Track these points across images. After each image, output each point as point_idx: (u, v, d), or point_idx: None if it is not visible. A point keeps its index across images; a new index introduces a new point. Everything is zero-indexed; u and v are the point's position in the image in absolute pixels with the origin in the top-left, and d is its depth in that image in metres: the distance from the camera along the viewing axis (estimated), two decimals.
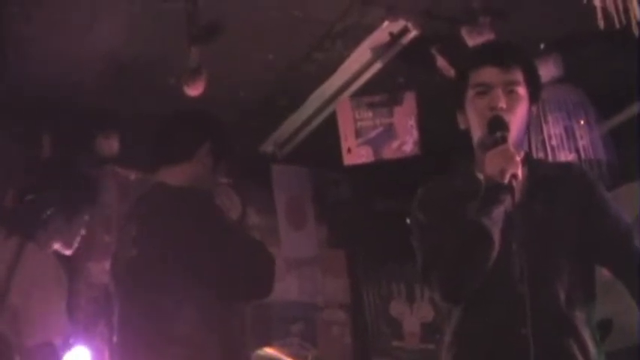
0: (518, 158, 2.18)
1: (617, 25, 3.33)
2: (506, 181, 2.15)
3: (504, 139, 2.22)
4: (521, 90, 2.33)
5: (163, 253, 2.55)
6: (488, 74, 2.32)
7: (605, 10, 3.32)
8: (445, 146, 3.80)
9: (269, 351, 4.51)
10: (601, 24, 3.34)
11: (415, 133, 4.54)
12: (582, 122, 4.20)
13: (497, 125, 2.25)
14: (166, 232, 2.57)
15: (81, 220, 3.60)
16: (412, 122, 4.54)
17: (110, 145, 4.79)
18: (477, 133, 2.34)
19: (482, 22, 3.87)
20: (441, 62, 4.08)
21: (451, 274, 2.22)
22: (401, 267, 5.67)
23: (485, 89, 2.31)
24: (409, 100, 4.57)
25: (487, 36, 3.81)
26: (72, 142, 4.62)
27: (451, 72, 4.03)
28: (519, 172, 2.17)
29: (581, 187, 2.38)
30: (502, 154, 2.18)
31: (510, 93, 2.30)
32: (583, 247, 2.29)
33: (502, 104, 2.27)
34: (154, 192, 2.80)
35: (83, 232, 3.61)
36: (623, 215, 2.39)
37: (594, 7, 3.33)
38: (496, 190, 2.17)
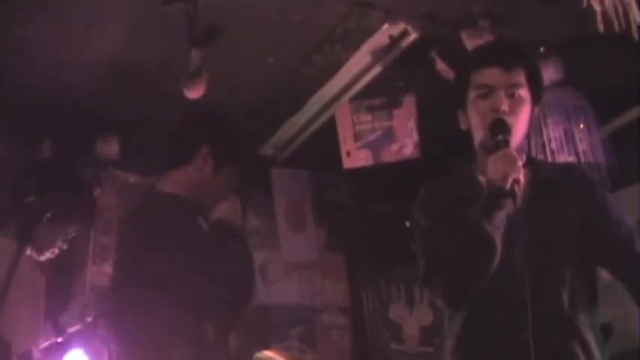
0: (520, 162, 2.17)
1: (617, 29, 3.33)
2: (508, 186, 2.13)
3: (506, 143, 2.20)
4: (524, 92, 2.31)
5: (130, 260, 2.54)
6: (490, 76, 2.31)
7: (604, 13, 3.32)
8: (445, 149, 3.80)
9: (268, 354, 4.51)
10: (601, 27, 3.34)
11: (415, 136, 4.53)
12: (582, 126, 4.20)
13: (499, 128, 2.23)
14: (134, 238, 2.56)
15: (68, 226, 3.60)
16: (412, 125, 4.53)
17: (110, 148, 4.79)
18: (478, 135, 2.33)
19: (482, 26, 3.87)
20: (440, 65, 4.08)
21: (453, 281, 2.21)
22: (400, 270, 5.66)
23: (487, 91, 2.30)
24: (409, 103, 4.56)
25: (487, 39, 3.80)
26: (72, 145, 4.62)
27: (451, 75, 4.03)
28: (521, 177, 2.16)
29: (582, 189, 2.37)
30: (504, 159, 2.16)
31: (512, 95, 2.29)
32: (585, 249, 2.28)
33: (504, 107, 2.26)
34: (140, 199, 2.80)
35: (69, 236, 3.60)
36: (625, 217, 2.39)
37: (594, 11, 3.33)
38: (498, 195, 2.15)
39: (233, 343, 2.67)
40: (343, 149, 4.65)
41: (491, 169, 2.18)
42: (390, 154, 4.60)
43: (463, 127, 2.42)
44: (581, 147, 4.14)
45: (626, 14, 3.32)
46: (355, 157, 4.65)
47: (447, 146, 3.61)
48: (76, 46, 3.99)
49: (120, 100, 4.47)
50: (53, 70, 4.17)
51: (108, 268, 4.44)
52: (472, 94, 2.34)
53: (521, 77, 2.32)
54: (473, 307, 2.23)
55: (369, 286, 5.84)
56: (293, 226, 5.60)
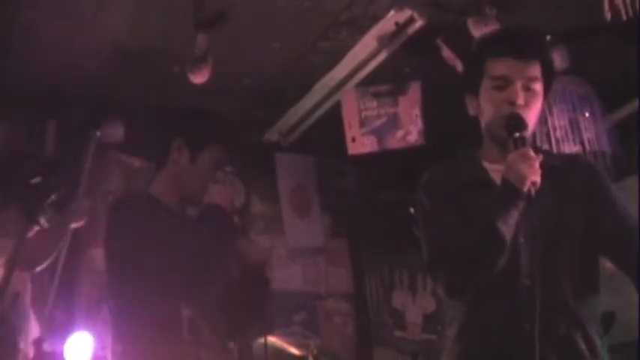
0: (537, 164, 2.13)
1: (624, 17, 3.32)
2: (525, 188, 2.10)
3: (524, 141, 2.17)
4: (539, 86, 2.28)
5: (109, 254, 2.67)
6: (507, 67, 2.26)
7: (611, 2, 3.31)
8: (449, 137, 3.80)
9: (271, 339, 4.51)
10: (608, 16, 3.33)
11: (420, 123, 4.52)
12: (587, 114, 4.19)
13: (515, 125, 2.20)
14: (112, 234, 2.68)
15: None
16: (417, 112, 4.53)
17: (114, 132, 4.78)
18: (488, 122, 2.30)
19: (488, 14, 3.85)
20: (446, 52, 4.07)
21: (458, 272, 2.19)
22: (403, 257, 5.67)
23: (503, 83, 2.25)
24: (414, 90, 4.55)
25: (493, 27, 3.79)
26: (76, 128, 4.63)
27: (456, 62, 4.03)
28: (539, 180, 2.12)
29: (587, 179, 2.34)
30: (523, 160, 2.12)
31: (528, 89, 2.25)
32: (589, 239, 2.27)
33: (520, 100, 2.22)
34: (118, 200, 2.99)
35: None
36: (629, 208, 2.38)
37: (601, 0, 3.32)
38: (514, 196, 2.12)
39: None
40: (348, 135, 4.64)
41: (508, 170, 2.14)
42: (395, 140, 4.59)
43: (471, 112, 2.38)
44: (586, 136, 4.13)
45: (633, 2, 3.31)
46: (360, 143, 4.64)
47: (451, 134, 3.61)
48: (80, 31, 3.99)
49: (124, 83, 4.48)
50: (59, 54, 4.18)
51: None
52: (487, 83, 2.29)
53: (537, 70, 2.28)
54: (477, 295, 2.22)
55: (373, 273, 5.85)
56: (297, 211, 5.60)
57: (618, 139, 4.21)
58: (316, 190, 5.74)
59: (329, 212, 5.81)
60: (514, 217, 2.13)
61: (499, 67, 2.28)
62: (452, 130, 3.73)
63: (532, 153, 2.15)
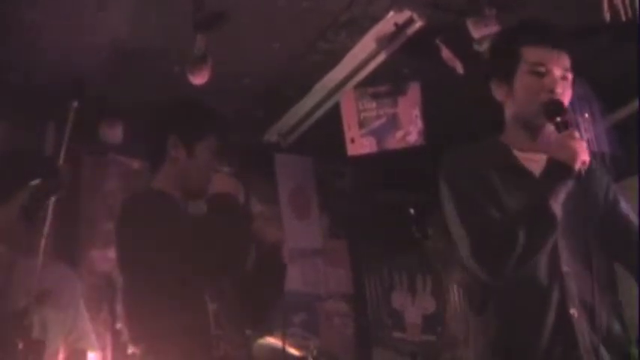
0: (585, 144, 2.18)
1: (623, 18, 3.33)
2: (577, 167, 2.14)
3: (566, 125, 2.21)
4: (570, 77, 2.33)
5: (121, 252, 2.64)
6: (546, 55, 2.31)
7: (611, 2, 3.31)
8: (449, 137, 3.79)
9: (271, 340, 4.51)
10: (607, 16, 3.33)
11: (419, 124, 4.53)
12: (586, 116, 4.19)
13: (555, 109, 2.24)
14: (124, 235, 2.64)
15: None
16: (416, 112, 4.53)
17: (114, 133, 4.79)
18: (523, 108, 2.33)
19: (488, 14, 3.86)
20: (445, 53, 4.07)
21: (511, 256, 2.16)
22: (403, 258, 5.67)
23: (542, 70, 2.29)
24: (413, 91, 4.56)
25: (492, 28, 3.80)
26: (76, 129, 4.62)
27: (456, 63, 4.03)
28: (588, 159, 2.17)
29: (593, 178, 2.38)
30: (572, 140, 2.17)
31: (564, 78, 2.31)
32: (603, 238, 2.30)
33: (559, 89, 2.28)
34: (126, 199, 2.92)
35: None
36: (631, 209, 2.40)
37: (601, 0, 3.32)
38: (566, 174, 2.16)
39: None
40: (347, 136, 4.65)
41: (559, 150, 2.18)
42: (395, 141, 4.60)
43: (499, 98, 2.40)
44: (586, 137, 4.13)
45: (632, 3, 3.31)
46: (359, 144, 4.65)
47: (450, 134, 3.60)
48: (80, 30, 3.99)
49: (124, 84, 4.48)
50: (57, 54, 4.17)
51: (112, 254, 4.46)
52: (524, 67, 2.32)
53: (568, 62, 2.33)
54: (515, 281, 2.20)
55: (372, 274, 5.85)
56: (297, 212, 5.61)
57: (618, 139, 4.22)
58: (315, 191, 5.74)
59: (328, 213, 5.82)
60: (562, 197, 2.17)
61: (538, 54, 2.32)
62: (452, 130, 3.74)
63: (578, 134, 2.19)
